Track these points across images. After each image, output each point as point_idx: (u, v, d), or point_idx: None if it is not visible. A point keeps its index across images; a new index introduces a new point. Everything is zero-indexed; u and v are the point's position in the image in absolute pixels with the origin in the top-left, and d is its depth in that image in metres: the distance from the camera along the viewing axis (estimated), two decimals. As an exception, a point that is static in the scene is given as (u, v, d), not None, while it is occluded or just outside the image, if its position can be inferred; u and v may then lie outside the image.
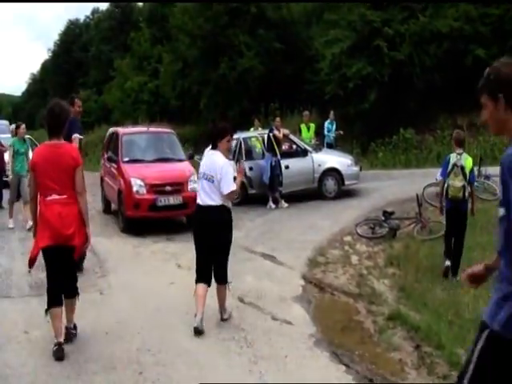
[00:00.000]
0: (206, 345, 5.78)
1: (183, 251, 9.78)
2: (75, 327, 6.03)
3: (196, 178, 10.22)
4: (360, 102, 22.28)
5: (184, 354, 5.55)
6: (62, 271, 5.58)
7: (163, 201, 11.35)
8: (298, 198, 14.30)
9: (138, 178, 11.46)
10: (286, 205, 13.95)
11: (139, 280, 8.22)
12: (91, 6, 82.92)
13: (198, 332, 5.98)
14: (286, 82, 26.25)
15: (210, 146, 6.36)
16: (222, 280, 6.29)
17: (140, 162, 12.25)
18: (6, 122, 29.87)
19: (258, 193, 14.44)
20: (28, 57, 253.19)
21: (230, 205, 6.34)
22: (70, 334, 5.89)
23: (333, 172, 14.60)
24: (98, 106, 45.06)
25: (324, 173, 14.51)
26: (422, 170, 18.55)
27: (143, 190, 11.36)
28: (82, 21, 64.90)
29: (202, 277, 6.22)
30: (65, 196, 5.48)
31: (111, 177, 12.83)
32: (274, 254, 9.59)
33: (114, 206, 13.14)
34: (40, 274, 8.24)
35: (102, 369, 5.22)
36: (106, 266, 8.94)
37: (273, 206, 13.95)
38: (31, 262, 5.57)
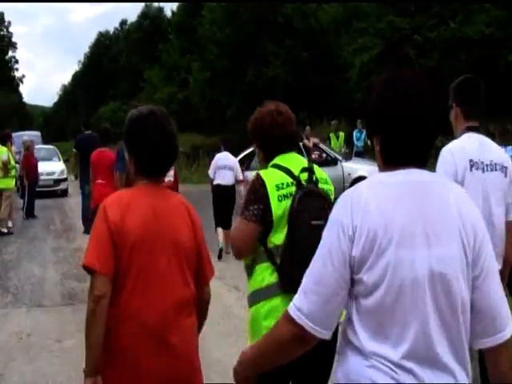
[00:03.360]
0: (237, 354, 5.72)
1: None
2: None
3: (172, 173, 14.44)
4: (389, 110, 22.15)
5: (216, 363, 5.51)
6: None
7: None
8: (327, 206, 14.21)
9: None
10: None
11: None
12: (121, 17, 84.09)
13: (221, 252, 9.83)
14: (315, 90, 26.20)
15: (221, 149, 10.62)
16: (230, 227, 9.09)
17: None
18: (37, 133, 30.35)
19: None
20: (61, 69, 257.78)
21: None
22: None
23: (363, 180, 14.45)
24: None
25: (354, 181, 14.31)
26: (453, 177, 18.31)
27: None
28: (111, 33, 66.04)
29: (221, 224, 10.02)
30: (105, 181, 9.12)
31: None
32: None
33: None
34: (72, 283, 8.35)
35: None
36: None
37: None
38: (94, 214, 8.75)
